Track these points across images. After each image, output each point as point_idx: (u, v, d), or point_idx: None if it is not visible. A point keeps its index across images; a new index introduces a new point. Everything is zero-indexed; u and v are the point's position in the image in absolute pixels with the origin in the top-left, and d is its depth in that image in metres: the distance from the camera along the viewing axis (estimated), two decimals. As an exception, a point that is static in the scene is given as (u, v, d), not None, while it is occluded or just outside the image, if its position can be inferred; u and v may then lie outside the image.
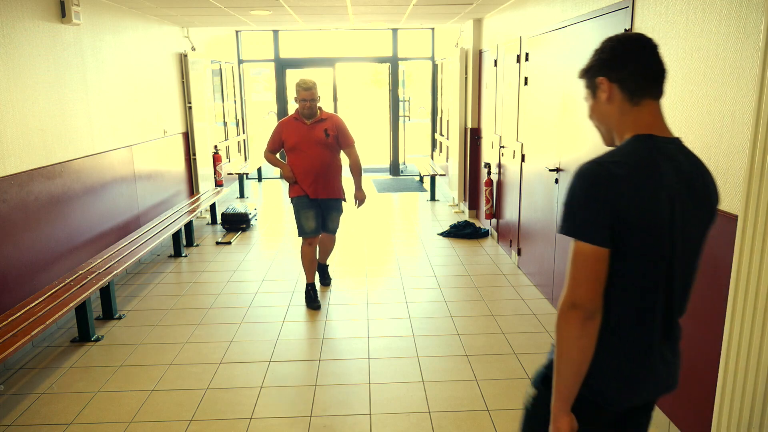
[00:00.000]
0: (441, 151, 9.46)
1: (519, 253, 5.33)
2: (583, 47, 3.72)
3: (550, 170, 4.26)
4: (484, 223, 6.73)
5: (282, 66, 9.99)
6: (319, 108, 4.30)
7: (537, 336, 3.90)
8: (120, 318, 4.28)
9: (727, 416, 2.21)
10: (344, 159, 4.46)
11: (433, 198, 8.48)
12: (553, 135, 4.28)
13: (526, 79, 5.00)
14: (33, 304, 3.55)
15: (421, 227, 6.89)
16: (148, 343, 3.88)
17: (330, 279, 4.94)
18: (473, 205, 7.33)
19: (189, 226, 6.13)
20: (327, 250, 4.76)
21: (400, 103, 10.35)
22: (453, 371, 3.44)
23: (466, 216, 7.39)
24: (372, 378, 3.38)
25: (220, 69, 8.82)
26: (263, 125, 14.50)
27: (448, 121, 8.54)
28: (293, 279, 5.07)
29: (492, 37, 6.38)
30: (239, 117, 10.05)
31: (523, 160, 5.13)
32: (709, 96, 2.38)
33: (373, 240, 6.32)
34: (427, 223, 7.12)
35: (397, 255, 5.77)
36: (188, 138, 7.29)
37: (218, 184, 7.97)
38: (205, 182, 7.62)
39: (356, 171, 4.47)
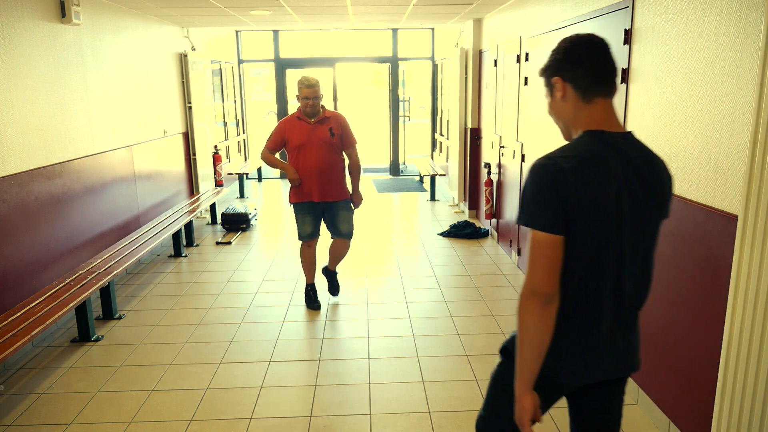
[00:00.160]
0: (441, 151, 9.46)
1: (519, 253, 5.33)
2: (583, 47, 3.72)
3: (550, 170, 4.27)
4: (484, 223, 6.73)
5: (282, 66, 9.99)
6: (322, 106, 4.15)
7: (537, 336, 3.89)
8: (120, 318, 4.28)
9: (727, 416, 2.21)
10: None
11: (433, 198, 8.48)
12: (553, 135, 4.27)
13: (526, 79, 5.00)
14: (33, 304, 3.55)
15: (421, 227, 6.89)
16: (148, 343, 3.88)
17: (338, 288, 4.61)
18: (473, 205, 7.33)
19: (189, 226, 6.13)
20: (338, 257, 4.45)
21: (400, 103, 10.34)
22: (453, 371, 3.44)
23: (466, 216, 7.39)
24: (372, 378, 3.38)
25: (220, 69, 8.82)
26: (263, 125, 14.50)
27: (448, 121, 8.54)
28: (293, 279, 5.07)
29: (492, 37, 6.38)
30: (239, 117, 10.05)
31: (523, 160, 5.13)
32: (709, 96, 2.38)
33: (373, 240, 6.32)
34: (427, 223, 7.12)
35: (397, 255, 5.77)
36: (188, 138, 7.29)
37: (218, 184, 7.97)
38: (205, 182, 7.62)
39: (356, 172, 4.29)
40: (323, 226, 4.34)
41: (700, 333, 2.47)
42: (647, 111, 2.91)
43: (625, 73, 3.12)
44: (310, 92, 4.01)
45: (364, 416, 2.99)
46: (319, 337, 3.95)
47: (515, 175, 5.40)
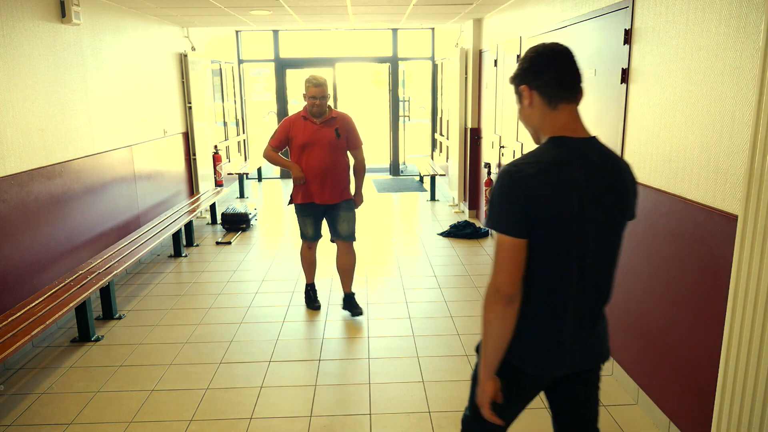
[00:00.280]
0: (441, 151, 9.46)
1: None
2: (583, 47, 3.72)
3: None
4: (484, 223, 6.73)
5: (282, 66, 9.99)
6: (329, 106, 4.03)
7: (537, 336, 3.90)
8: (120, 318, 4.28)
9: (727, 416, 2.21)
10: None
11: (433, 198, 8.48)
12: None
13: (526, 79, 4.99)
14: (33, 304, 3.55)
15: (421, 227, 6.89)
16: (148, 343, 3.88)
17: (358, 309, 4.22)
18: (473, 205, 7.33)
19: (189, 226, 6.13)
20: (347, 271, 4.21)
21: (400, 103, 10.34)
22: (453, 371, 3.44)
23: (466, 216, 7.39)
24: (372, 378, 3.38)
25: (220, 69, 8.82)
26: (263, 125, 14.50)
27: (448, 121, 8.54)
28: (293, 279, 5.07)
29: (492, 37, 6.38)
30: (239, 117, 10.05)
31: (523, 160, 5.13)
32: (709, 96, 2.38)
33: (373, 240, 6.32)
34: (427, 223, 7.12)
35: (397, 255, 5.77)
36: (188, 138, 7.29)
37: (218, 184, 7.97)
38: (205, 182, 7.62)
39: (360, 173, 4.20)
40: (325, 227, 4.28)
41: (700, 333, 2.47)
42: (647, 111, 2.91)
43: (625, 73, 3.12)
44: (317, 92, 3.89)
45: (364, 416, 2.99)
46: (319, 337, 3.95)
47: (515, 175, 5.38)
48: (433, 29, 9.78)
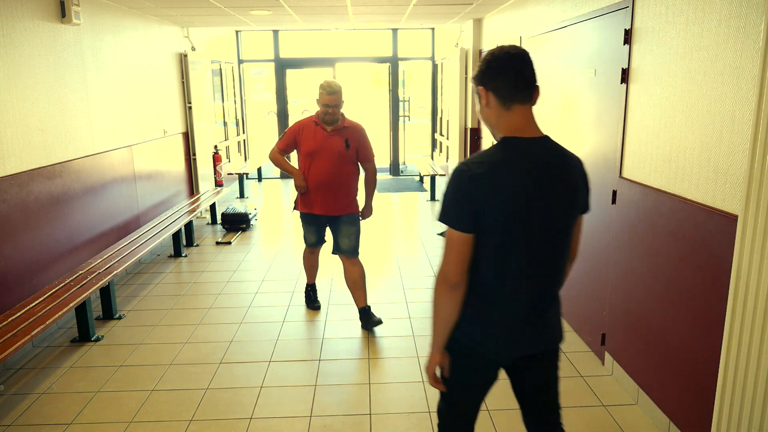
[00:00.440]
0: (441, 151, 9.46)
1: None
2: (584, 47, 3.72)
3: (550, 170, 4.26)
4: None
5: (282, 66, 9.99)
6: (342, 114, 3.86)
7: (537, 336, 3.89)
8: (120, 318, 4.28)
9: (727, 416, 2.21)
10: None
11: (433, 198, 8.48)
12: (553, 135, 4.26)
13: (526, 79, 4.99)
14: (33, 304, 3.55)
15: (421, 227, 6.89)
16: (148, 343, 3.88)
17: (376, 319, 3.98)
18: (473, 205, 7.31)
19: (189, 226, 6.13)
20: (356, 286, 4.01)
21: (400, 103, 10.34)
22: (453, 371, 3.43)
23: (466, 216, 7.38)
24: (372, 378, 3.38)
25: (220, 69, 8.82)
26: (263, 125, 14.50)
27: (448, 121, 8.54)
28: (293, 279, 5.07)
29: (492, 37, 6.38)
30: (239, 117, 10.05)
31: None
32: (709, 96, 2.38)
33: (373, 240, 6.32)
34: (427, 223, 7.12)
35: (397, 255, 5.77)
36: (188, 138, 7.29)
37: (218, 184, 7.97)
38: (205, 182, 7.62)
39: (371, 186, 4.02)
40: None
41: (700, 333, 2.47)
42: (647, 111, 2.90)
43: (625, 73, 3.12)
44: (331, 99, 3.72)
45: (364, 416, 2.99)
46: (319, 337, 3.95)
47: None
48: (433, 29, 9.78)
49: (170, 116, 6.72)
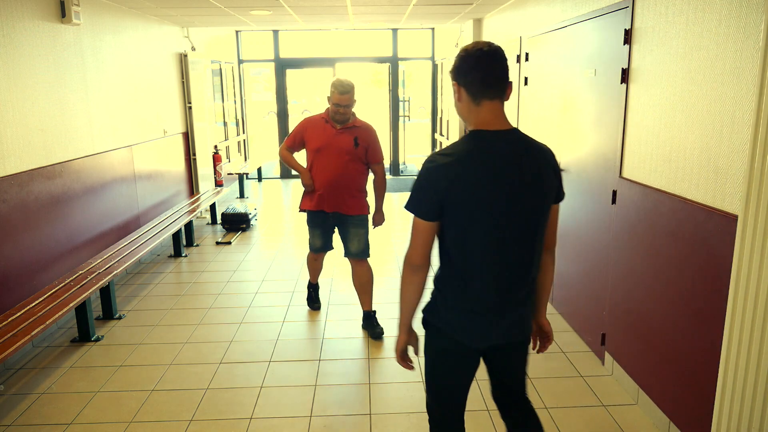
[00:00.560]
0: (441, 151, 9.44)
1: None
2: (583, 47, 3.72)
3: (550, 170, 4.26)
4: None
5: (282, 66, 9.99)
6: (353, 113, 3.75)
7: (537, 336, 3.89)
8: (120, 318, 4.28)
9: (727, 416, 2.21)
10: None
11: (433, 198, 8.46)
12: (553, 135, 4.28)
13: (526, 79, 5.00)
14: (33, 304, 3.55)
15: (421, 227, 6.88)
16: (148, 343, 3.88)
17: (378, 330, 3.91)
18: (473, 205, 7.31)
19: (189, 226, 6.13)
20: (364, 288, 3.93)
21: (400, 103, 10.34)
22: (453, 371, 3.43)
23: (466, 216, 7.38)
24: (372, 378, 3.38)
25: (220, 69, 8.82)
26: (263, 125, 14.50)
27: (448, 121, 8.54)
28: (293, 279, 5.07)
29: (492, 37, 6.38)
30: (239, 117, 10.05)
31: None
32: (709, 96, 2.38)
33: (373, 240, 6.30)
34: (427, 223, 7.10)
35: (397, 255, 5.77)
36: (188, 138, 7.29)
37: (218, 184, 7.97)
38: (205, 182, 7.62)
39: (380, 190, 3.90)
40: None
41: (700, 333, 2.47)
42: (647, 111, 2.90)
43: (625, 73, 3.12)
44: (342, 99, 3.60)
45: (364, 416, 2.99)
46: (319, 337, 3.95)
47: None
48: (433, 29, 9.78)
49: (170, 116, 6.72)
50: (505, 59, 1.72)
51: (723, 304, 2.26)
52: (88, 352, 3.76)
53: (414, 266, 1.77)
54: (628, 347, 3.16)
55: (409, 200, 1.76)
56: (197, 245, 6.25)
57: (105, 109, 5.05)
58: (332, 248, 4.06)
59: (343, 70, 10.15)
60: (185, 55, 7.12)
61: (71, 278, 4.02)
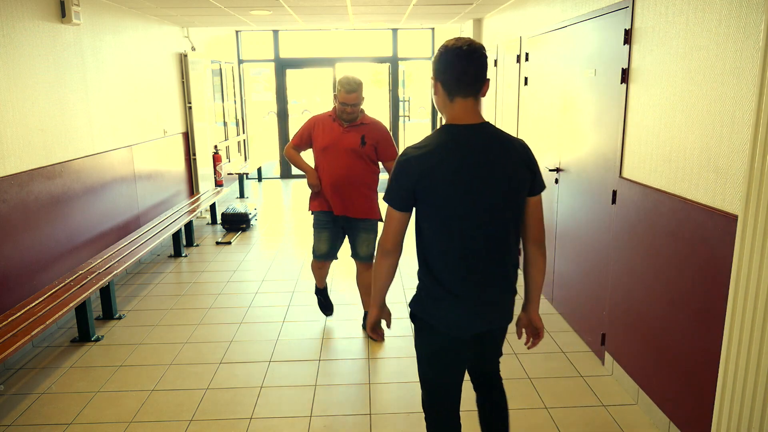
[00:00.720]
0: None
1: (518, 252, 5.32)
2: (583, 47, 3.72)
3: (550, 170, 4.26)
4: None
5: (282, 66, 9.99)
6: (362, 110, 3.64)
7: (537, 336, 3.89)
8: (120, 318, 4.28)
9: (727, 416, 2.21)
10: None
11: (433, 198, 8.46)
12: (553, 135, 4.28)
13: (526, 79, 5.00)
14: (33, 304, 3.55)
15: (421, 227, 6.88)
16: (148, 343, 3.88)
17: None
18: (473, 205, 7.31)
19: (189, 226, 6.13)
20: (367, 287, 3.81)
21: (400, 103, 10.34)
22: (453, 371, 3.43)
23: (466, 216, 7.38)
24: (372, 378, 3.38)
25: (220, 69, 8.82)
26: (263, 125, 14.49)
27: (448, 121, 8.53)
28: (293, 279, 5.07)
29: (492, 37, 6.38)
30: (239, 117, 10.05)
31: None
32: (709, 96, 2.38)
33: (373, 240, 6.31)
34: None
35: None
36: (188, 138, 7.29)
37: (218, 184, 7.97)
38: (205, 182, 7.62)
39: None
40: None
41: (700, 333, 2.47)
42: (647, 111, 2.90)
43: (625, 73, 3.12)
44: (349, 98, 3.49)
45: (364, 416, 2.99)
46: (319, 337, 3.95)
47: (515, 175, 5.38)
48: (433, 29, 9.78)
49: (170, 116, 6.72)
50: (483, 58, 1.77)
51: (723, 304, 2.26)
52: (88, 352, 3.76)
53: (386, 251, 1.89)
54: (628, 347, 3.16)
55: (385, 191, 1.86)
56: (197, 245, 6.25)
57: (105, 109, 5.05)
58: (336, 258, 3.91)
59: (343, 70, 10.15)
60: (185, 55, 7.12)
61: (71, 278, 4.02)
